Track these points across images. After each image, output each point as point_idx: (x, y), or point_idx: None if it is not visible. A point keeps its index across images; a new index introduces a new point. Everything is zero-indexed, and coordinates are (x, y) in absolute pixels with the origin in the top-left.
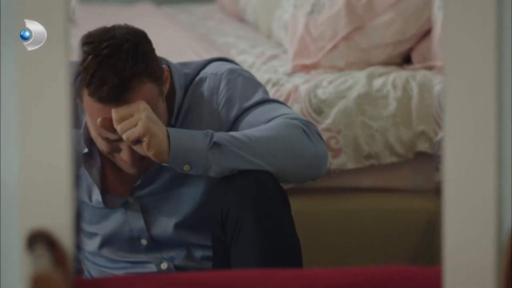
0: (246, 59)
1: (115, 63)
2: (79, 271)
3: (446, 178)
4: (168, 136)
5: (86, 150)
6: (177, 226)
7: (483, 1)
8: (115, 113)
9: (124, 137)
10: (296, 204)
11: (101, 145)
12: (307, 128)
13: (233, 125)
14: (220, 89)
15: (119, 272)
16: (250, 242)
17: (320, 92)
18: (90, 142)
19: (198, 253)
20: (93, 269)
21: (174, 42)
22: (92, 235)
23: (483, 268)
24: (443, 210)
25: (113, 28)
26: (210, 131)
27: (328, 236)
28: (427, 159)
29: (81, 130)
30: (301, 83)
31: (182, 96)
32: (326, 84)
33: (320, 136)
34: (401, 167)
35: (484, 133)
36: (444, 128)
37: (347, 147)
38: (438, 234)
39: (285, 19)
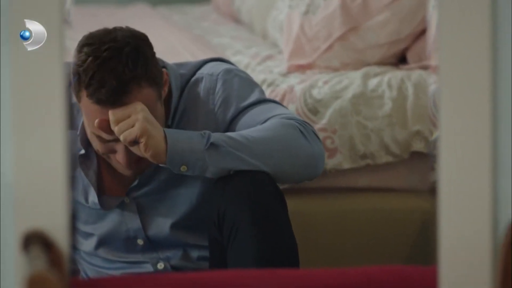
0: (241, 60)
1: (115, 66)
2: (75, 271)
3: (441, 178)
4: (165, 137)
5: (82, 152)
6: (174, 226)
7: (478, 1)
8: (112, 115)
9: (121, 138)
10: (292, 204)
11: (97, 146)
12: (303, 128)
13: (230, 125)
14: (217, 89)
15: (116, 272)
16: (247, 243)
17: (315, 92)
18: (86, 143)
19: (195, 253)
20: (89, 270)
21: (170, 43)
22: (88, 235)
23: (479, 268)
24: (438, 210)
25: (115, 30)
26: (207, 132)
27: (324, 236)
28: (422, 159)
29: (78, 132)
30: (297, 83)
31: (178, 97)
32: (322, 84)
33: (317, 136)
34: (396, 167)
35: (479, 133)
36: (440, 128)
37: (342, 147)
38: (433, 234)
39: (280, 19)
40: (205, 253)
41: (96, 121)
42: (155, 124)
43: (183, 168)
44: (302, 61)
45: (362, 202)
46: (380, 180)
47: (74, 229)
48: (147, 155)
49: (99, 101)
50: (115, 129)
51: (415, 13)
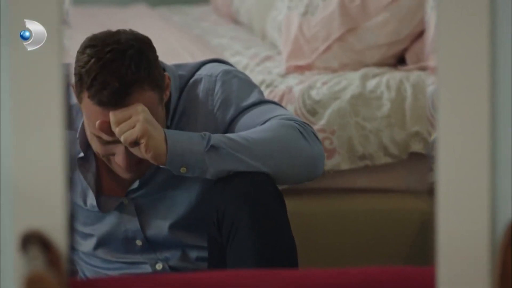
0: (240, 61)
1: (118, 68)
2: (73, 272)
3: (439, 179)
4: (166, 138)
5: (81, 154)
6: (172, 227)
7: (476, 2)
8: (113, 115)
9: (122, 139)
10: (291, 205)
11: (97, 148)
12: (303, 129)
13: (229, 126)
14: (216, 90)
15: (114, 273)
16: (246, 243)
17: (314, 93)
18: (86, 146)
19: (193, 254)
20: (87, 270)
21: (169, 44)
22: (87, 236)
23: (477, 268)
24: (436, 211)
25: (118, 32)
26: (207, 133)
27: (323, 237)
28: (421, 160)
29: (77, 135)
30: (295, 84)
31: (177, 98)
32: (320, 85)
33: (316, 137)
34: (395, 168)
35: (478, 134)
36: (438, 129)
37: (341, 148)
38: (431, 234)
39: (279, 20)
40: (204, 253)
41: (97, 122)
42: (156, 125)
43: (183, 170)
44: (301, 62)
45: (361, 202)
46: (379, 181)
47: (72, 230)
48: (147, 156)
49: (100, 103)
50: (116, 130)
51: (414, 14)
